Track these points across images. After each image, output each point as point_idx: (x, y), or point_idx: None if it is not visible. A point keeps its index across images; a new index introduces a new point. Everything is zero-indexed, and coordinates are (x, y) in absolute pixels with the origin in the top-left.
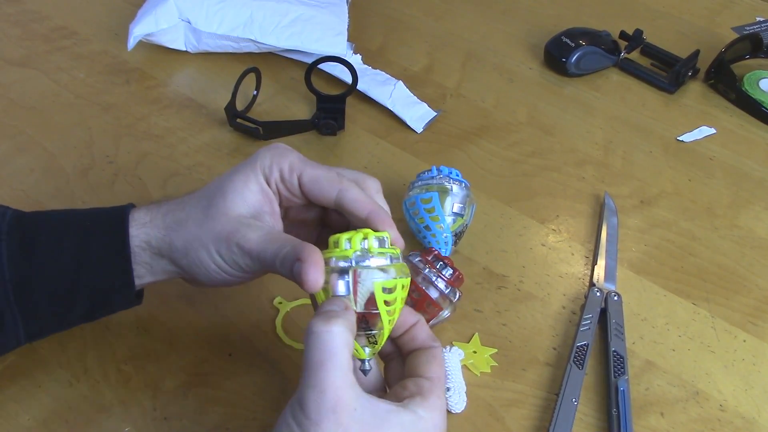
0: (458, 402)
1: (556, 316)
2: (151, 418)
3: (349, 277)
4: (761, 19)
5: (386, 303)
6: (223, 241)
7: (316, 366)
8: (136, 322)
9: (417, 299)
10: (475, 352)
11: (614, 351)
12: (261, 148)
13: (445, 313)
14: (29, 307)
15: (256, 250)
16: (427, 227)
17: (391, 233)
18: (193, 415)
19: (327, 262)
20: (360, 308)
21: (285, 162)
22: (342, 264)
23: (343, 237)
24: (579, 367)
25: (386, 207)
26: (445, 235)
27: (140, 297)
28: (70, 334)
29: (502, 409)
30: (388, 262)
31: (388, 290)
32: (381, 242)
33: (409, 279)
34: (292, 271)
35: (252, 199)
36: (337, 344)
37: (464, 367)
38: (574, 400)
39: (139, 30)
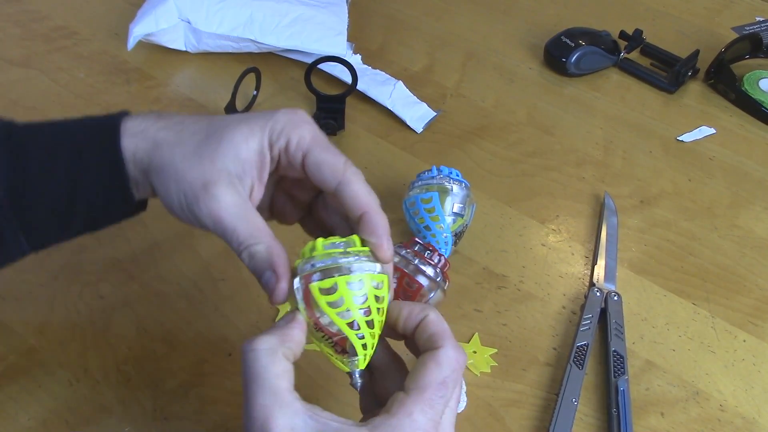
0: (458, 402)
1: (556, 316)
2: (151, 418)
3: (298, 285)
4: (761, 19)
5: (330, 305)
6: (196, 188)
7: (244, 389)
8: (136, 322)
9: (408, 289)
10: (475, 352)
11: (614, 351)
12: (281, 110)
13: (433, 295)
14: (27, 221)
15: (221, 218)
16: (427, 227)
17: (380, 242)
18: (193, 415)
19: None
20: (321, 318)
21: (295, 134)
22: (295, 275)
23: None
24: (579, 367)
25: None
26: (445, 235)
27: (144, 205)
28: (70, 334)
29: (502, 409)
30: (330, 262)
31: (326, 290)
32: (333, 245)
33: (368, 275)
34: (260, 277)
35: (245, 156)
36: (261, 364)
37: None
38: (574, 400)
39: (139, 30)
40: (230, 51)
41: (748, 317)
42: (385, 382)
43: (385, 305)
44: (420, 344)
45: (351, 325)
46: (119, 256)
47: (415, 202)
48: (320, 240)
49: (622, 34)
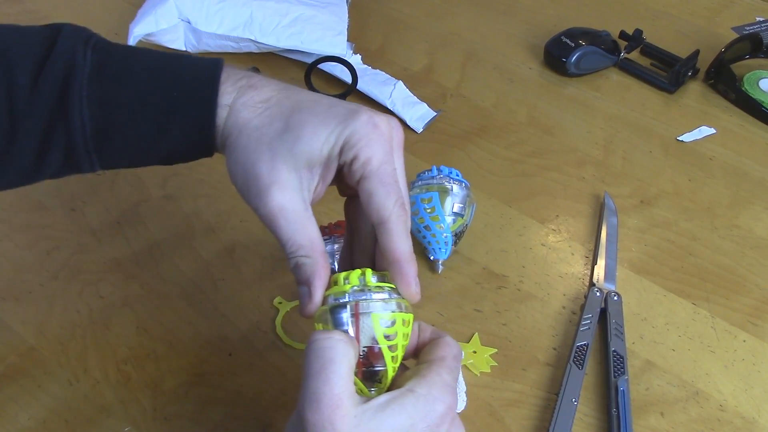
0: (458, 402)
1: (556, 316)
2: (151, 417)
3: (347, 312)
4: (761, 19)
5: (387, 337)
6: (263, 184)
7: (314, 375)
8: (136, 322)
9: None
10: (475, 352)
11: (614, 351)
12: (363, 114)
13: None
14: (107, 155)
15: (279, 223)
16: (427, 227)
17: (408, 287)
18: (193, 415)
19: (325, 300)
20: (361, 344)
21: (365, 153)
22: (340, 300)
23: (341, 275)
24: (579, 367)
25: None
26: (445, 235)
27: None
28: (70, 334)
29: (502, 409)
30: (387, 296)
31: (388, 323)
32: (380, 278)
33: (411, 315)
34: (297, 282)
35: (317, 160)
36: (338, 352)
37: (464, 367)
38: (573, 400)
39: (140, 30)
40: (230, 51)
41: (748, 317)
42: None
43: (407, 341)
44: (423, 345)
45: (394, 358)
46: (119, 256)
47: (416, 202)
48: (369, 271)
49: (622, 34)
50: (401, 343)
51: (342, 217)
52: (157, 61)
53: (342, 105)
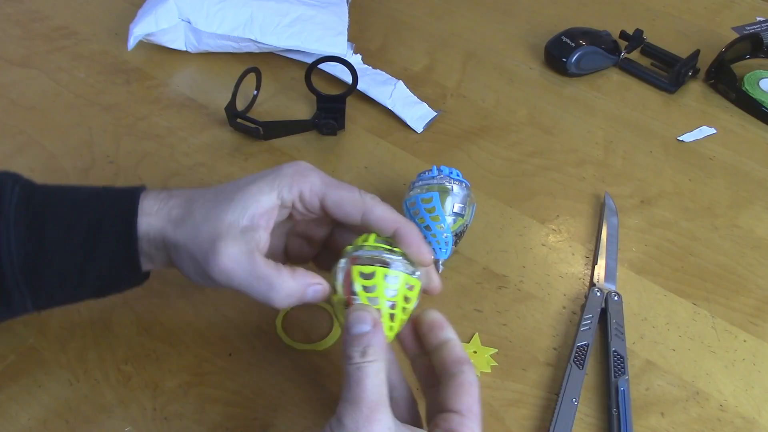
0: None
1: (556, 316)
2: (151, 417)
3: (342, 265)
4: (761, 19)
5: (364, 288)
6: (205, 249)
7: (354, 384)
8: (136, 322)
9: None
10: (475, 352)
11: (614, 351)
12: (284, 165)
13: None
14: (37, 287)
15: (230, 271)
16: (427, 227)
17: (418, 248)
18: (193, 415)
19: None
20: (353, 298)
21: (305, 183)
22: (342, 261)
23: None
24: (579, 367)
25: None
26: (445, 235)
27: (147, 275)
28: (70, 334)
29: (503, 409)
30: (375, 254)
31: (365, 275)
32: (384, 242)
33: (404, 274)
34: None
35: (254, 211)
36: (373, 371)
37: None
38: (574, 400)
39: (140, 30)
40: (230, 51)
41: (749, 317)
42: (428, 403)
43: (411, 307)
44: (442, 362)
45: (378, 309)
46: None
47: (416, 202)
48: (374, 234)
49: (623, 34)
50: (380, 295)
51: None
52: (81, 191)
53: (265, 171)
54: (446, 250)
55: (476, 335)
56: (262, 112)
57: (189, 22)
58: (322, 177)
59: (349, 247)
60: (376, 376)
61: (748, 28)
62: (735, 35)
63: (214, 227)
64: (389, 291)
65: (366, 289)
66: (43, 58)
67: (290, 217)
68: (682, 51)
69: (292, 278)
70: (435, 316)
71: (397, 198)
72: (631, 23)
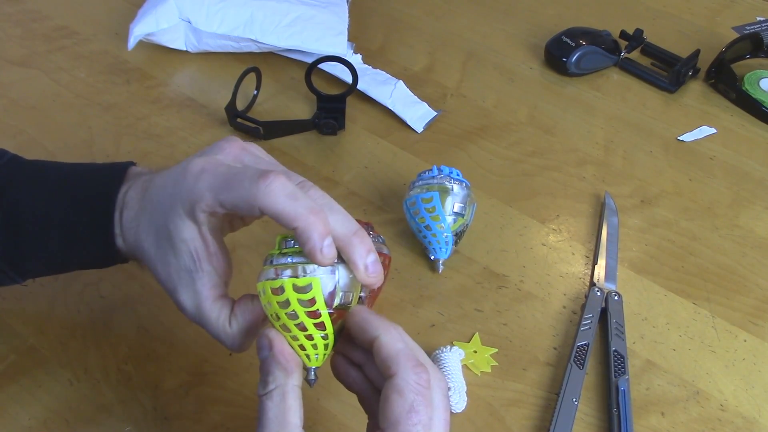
0: (458, 402)
1: (556, 315)
2: (152, 417)
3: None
4: (762, 19)
5: (279, 305)
6: (170, 293)
7: (258, 422)
8: (137, 322)
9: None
10: (475, 352)
11: (615, 351)
12: (186, 174)
13: None
14: (22, 271)
15: (194, 320)
16: (427, 227)
17: (312, 249)
18: (194, 415)
19: None
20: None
21: (200, 202)
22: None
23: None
24: (579, 367)
25: (328, 207)
26: (445, 234)
27: None
28: (70, 334)
29: (503, 408)
30: (272, 262)
31: (274, 290)
32: (285, 243)
33: (289, 280)
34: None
35: (186, 249)
36: (272, 404)
37: (465, 366)
38: (574, 399)
39: (140, 30)
40: (231, 51)
41: (749, 317)
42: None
43: (320, 306)
44: (379, 368)
45: (298, 326)
46: None
47: (416, 202)
48: (279, 236)
49: (623, 34)
50: (280, 312)
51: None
52: (58, 179)
53: (173, 180)
54: (446, 249)
55: (476, 335)
56: (263, 111)
57: (189, 22)
58: (210, 182)
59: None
60: (276, 407)
61: (749, 27)
62: (735, 35)
63: (167, 272)
64: (282, 304)
65: (280, 305)
66: (43, 58)
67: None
68: (683, 51)
69: (238, 332)
70: (358, 315)
71: (397, 198)
72: (631, 23)
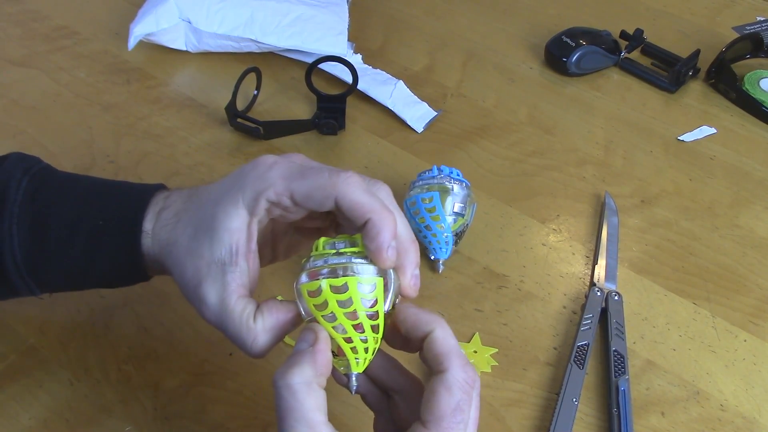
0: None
1: (556, 315)
2: (152, 417)
3: (295, 287)
4: (762, 19)
5: (316, 307)
6: (191, 291)
7: (280, 422)
8: (137, 322)
9: None
10: (475, 352)
11: (615, 350)
12: (246, 168)
13: None
14: (42, 281)
15: (211, 321)
16: (428, 227)
17: (379, 249)
18: (194, 415)
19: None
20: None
21: (269, 189)
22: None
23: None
24: (579, 367)
25: (395, 211)
26: (445, 234)
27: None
28: (70, 334)
29: (503, 408)
30: (318, 264)
31: (312, 293)
32: (333, 245)
33: (354, 277)
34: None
35: (229, 241)
36: (298, 399)
37: None
38: (574, 399)
39: (140, 30)
40: (231, 51)
41: (749, 317)
42: (403, 407)
43: (379, 308)
44: (427, 362)
45: (337, 328)
46: None
47: (416, 202)
48: (323, 239)
49: (623, 34)
50: (334, 309)
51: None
52: (90, 189)
53: (234, 180)
54: (446, 249)
55: (476, 335)
56: (263, 111)
57: (189, 22)
58: (283, 171)
59: (303, 261)
60: (298, 401)
61: (749, 27)
62: (735, 35)
63: (196, 265)
64: (342, 303)
65: (318, 307)
66: (44, 57)
67: (276, 220)
68: (683, 51)
69: (262, 330)
70: (409, 310)
71: (397, 198)
72: (631, 23)
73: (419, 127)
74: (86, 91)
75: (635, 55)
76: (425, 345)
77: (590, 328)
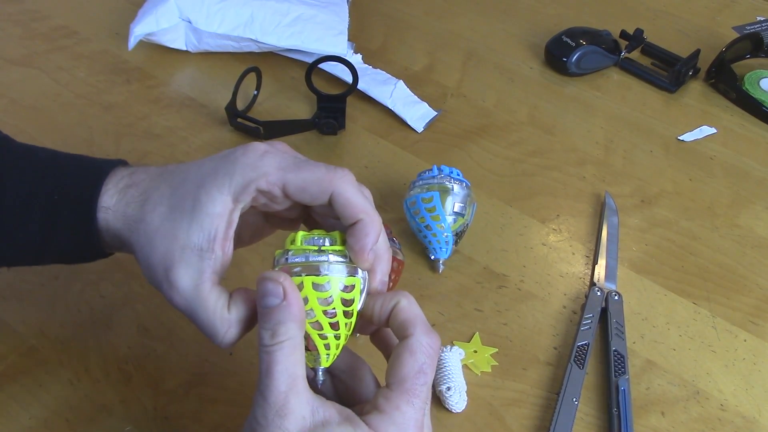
0: (459, 401)
1: (556, 315)
2: (152, 417)
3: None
4: (762, 19)
5: (319, 300)
6: (160, 274)
7: (263, 373)
8: (137, 322)
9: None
10: (475, 352)
11: (615, 350)
12: (237, 152)
13: None
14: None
15: (180, 306)
16: (428, 227)
17: (361, 249)
18: (194, 415)
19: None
20: None
21: (261, 178)
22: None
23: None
24: (580, 367)
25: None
26: (445, 234)
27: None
28: (71, 334)
29: (503, 408)
30: (299, 259)
31: (317, 285)
32: (313, 241)
33: (336, 277)
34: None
35: (208, 226)
36: (284, 353)
37: (465, 366)
38: (574, 399)
39: (140, 29)
40: (231, 50)
41: (749, 317)
42: (349, 384)
43: (354, 308)
44: (394, 330)
45: (314, 325)
46: (120, 255)
47: (416, 202)
48: (301, 233)
49: (623, 34)
50: (318, 309)
51: None
52: (47, 162)
53: (221, 162)
54: (446, 249)
55: (476, 335)
56: (263, 111)
57: (189, 22)
58: (278, 161)
59: (277, 252)
60: (286, 359)
61: (749, 27)
62: (735, 35)
63: (167, 247)
64: (322, 300)
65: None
66: (44, 57)
67: (255, 208)
68: (683, 50)
69: (236, 320)
70: (375, 297)
71: (397, 197)
72: (631, 23)
73: (419, 127)
74: (86, 91)
75: (635, 55)
76: (392, 315)
77: (590, 327)
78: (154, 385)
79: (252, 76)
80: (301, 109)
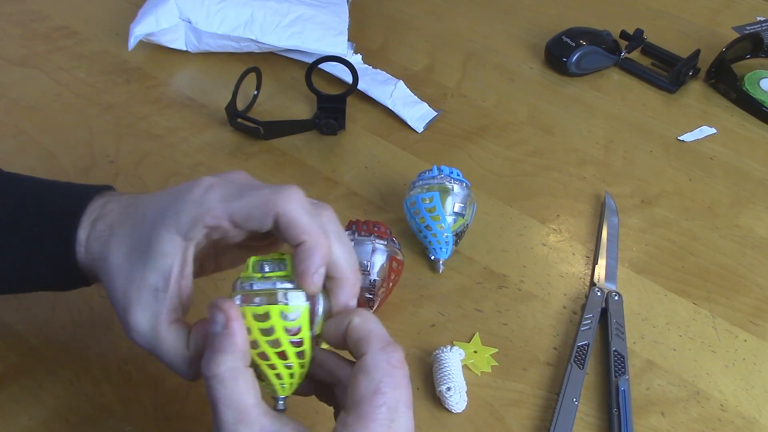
0: (459, 402)
1: (556, 315)
2: (152, 417)
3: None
4: (762, 19)
5: (262, 331)
6: (120, 312)
7: (212, 409)
8: None
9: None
10: (475, 352)
11: (615, 351)
12: (185, 190)
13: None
14: None
15: (141, 344)
16: (428, 227)
17: (304, 272)
18: (194, 415)
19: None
20: None
21: (206, 215)
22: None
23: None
24: (580, 367)
25: (337, 238)
26: (445, 234)
27: None
28: (71, 334)
29: (503, 408)
30: (245, 287)
31: (258, 316)
32: (261, 267)
33: (276, 306)
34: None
35: (163, 265)
36: (225, 386)
37: (465, 366)
38: (574, 399)
39: (140, 30)
40: (231, 51)
41: (749, 317)
42: (343, 398)
43: (305, 335)
44: (351, 353)
45: (261, 355)
46: None
47: (416, 202)
48: (252, 259)
49: (623, 34)
50: (262, 339)
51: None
52: (30, 192)
53: (174, 198)
54: (447, 249)
55: (477, 335)
56: (263, 111)
57: (189, 22)
58: (221, 193)
59: (236, 279)
60: (229, 391)
61: (749, 27)
62: (735, 35)
63: (126, 287)
64: (264, 330)
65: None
66: (43, 58)
67: (213, 242)
68: (683, 51)
69: (196, 356)
70: (331, 320)
71: (397, 197)
72: (631, 23)
73: (419, 127)
74: (86, 91)
75: (635, 55)
76: (347, 335)
77: (590, 328)
78: (154, 385)
79: (252, 76)
80: (301, 109)
